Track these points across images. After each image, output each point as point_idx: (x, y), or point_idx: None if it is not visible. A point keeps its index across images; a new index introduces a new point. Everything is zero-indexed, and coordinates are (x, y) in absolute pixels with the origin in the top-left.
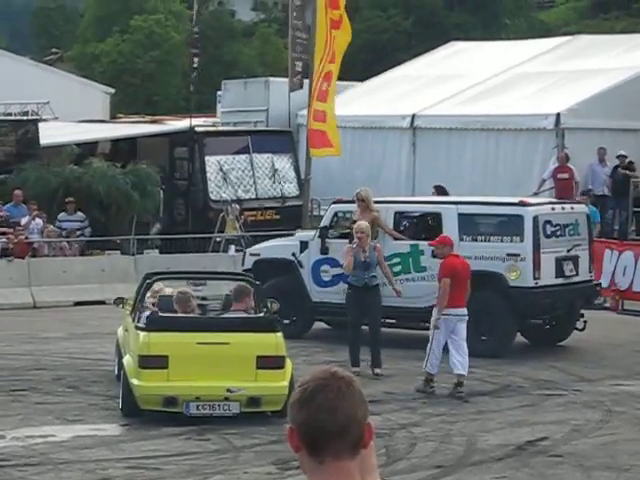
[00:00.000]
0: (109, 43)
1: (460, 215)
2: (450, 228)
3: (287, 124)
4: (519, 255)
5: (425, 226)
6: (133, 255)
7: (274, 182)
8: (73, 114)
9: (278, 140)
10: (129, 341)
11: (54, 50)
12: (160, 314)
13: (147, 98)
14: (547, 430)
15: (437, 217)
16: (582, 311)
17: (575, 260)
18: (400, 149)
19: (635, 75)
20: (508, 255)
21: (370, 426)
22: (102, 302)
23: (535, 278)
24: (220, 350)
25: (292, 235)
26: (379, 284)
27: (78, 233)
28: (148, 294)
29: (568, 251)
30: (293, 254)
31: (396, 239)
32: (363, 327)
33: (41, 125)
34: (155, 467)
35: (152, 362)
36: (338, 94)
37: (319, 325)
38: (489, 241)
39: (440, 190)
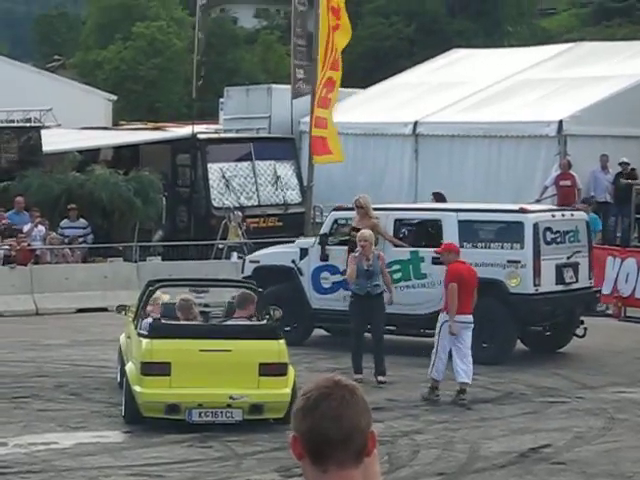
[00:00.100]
0: (111, 50)
1: (460, 222)
2: (450, 235)
3: (289, 131)
4: (519, 262)
5: (425, 233)
6: (135, 262)
7: (276, 189)
8: (75, 121)
9: (280, 147)
10: (131, 348)
11: (56, 57)
12: (163, 321)
13: (149, 105)
14: (550, 437)
15: (437, 224)
16: (583, 318)
17: (575, 267)
18: (402, 156)
19: (637, 82)
20: (508, 262)
21: (373, 434)
22: (104, 309)
23: (535, 285)
24: (223, 357)
25: (293, 242)
26: (383, 292)
27: (80, 240)
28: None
29: (568, 258)
30: (293, 261)
31: (396, 246)
32: (366, 334)
33: (44, 132)
34: (158, 474)
35: (154, 369)
36: (340, 101)
37: (321, 332)
38: (489, 248)
39: (439, 197)
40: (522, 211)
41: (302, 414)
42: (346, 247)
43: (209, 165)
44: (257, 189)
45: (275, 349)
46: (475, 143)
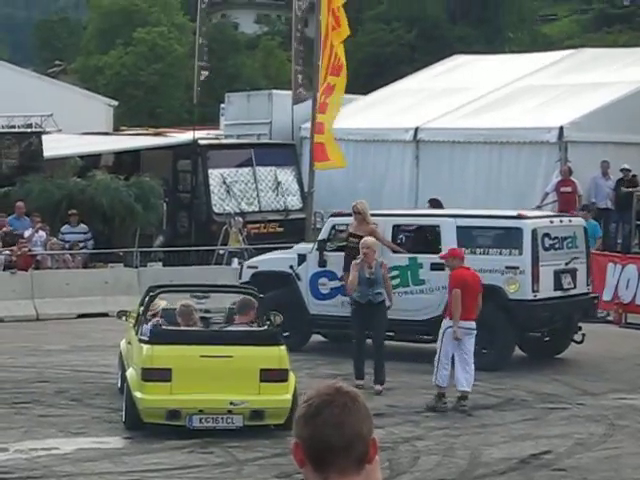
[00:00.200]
0: (112, 55)
1: (459, 228)
2: (449, 241)
3: (290, 137)
4: (518, 268)
5: (424, 239)
6: (136, 268)
7: (277, 195)
8: (76, 126)
9: (281, 153)
10: (132, 354)
11: (57, 62)
12: (164, 327)
13: (150, 110)
14: (551, 444)
15: (436, 230)
16: (583, 324)
17: (573, 273)
18: (403, 162)
19: (638, 89)
20: (507, 268)
21: (375, 441)
22: (105, 314)
23: (534, 291)
24: (223, 363)
25: (291, 248)
26: (384, 300)
27: (81, 245)
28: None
29: (566, 264)
30: (291, 267)
31: (394, 252)
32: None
33: (44, 137)
34: None
35: (155, 375)
36: (341, 107)
37: (321, 338)
38: (488, 254)
39: (435, 203)
40: (520, 217)
41: (304, 421)
42: (344, 253)
43: (210, 171)
44: (258, 195)
45: (276, 355)
46: (476, 149)
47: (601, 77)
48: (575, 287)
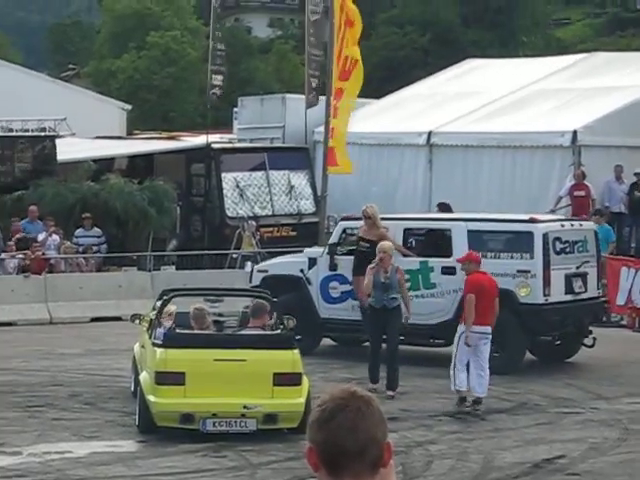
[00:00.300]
0: (125, 59)
1: (470, 232)
2: (460, 245)
3: (303, 141)
4: (529, 272)
5: (435, 243)
6: (150, 271)
7: (290, 199)
8: (90, 130)
9: (294, 157)
10: (146, 357)
11: (70, 66)
12: (177, 331)
13: (163, 114)
14: (564, 448)
15: (447, 234)
16: (596, 328)
17: (584, 277)
18: (416, 166)
19: None
20: (518, 272)
21: (390, 445)
22: (118, 318)
23: (545, 295)
24: (237, 367)
25: (301, 252)
26: (399, 305)
27: (95, 249)
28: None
29: (577, 268)
30: (301, 271)
31: (405, 256)
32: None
33: (58, 141)
34: None
35: (169, 379)
36: (354, 111)
37: (333, 342)
38: (499, 258)
39: (444, 208)
40: (532, 221)
41: (318, 425)
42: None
43: (223, 175)
44: (271, 199)
45: (289, 359)
46: (489, 153)
47: (614, 81)
48: (586, 291)
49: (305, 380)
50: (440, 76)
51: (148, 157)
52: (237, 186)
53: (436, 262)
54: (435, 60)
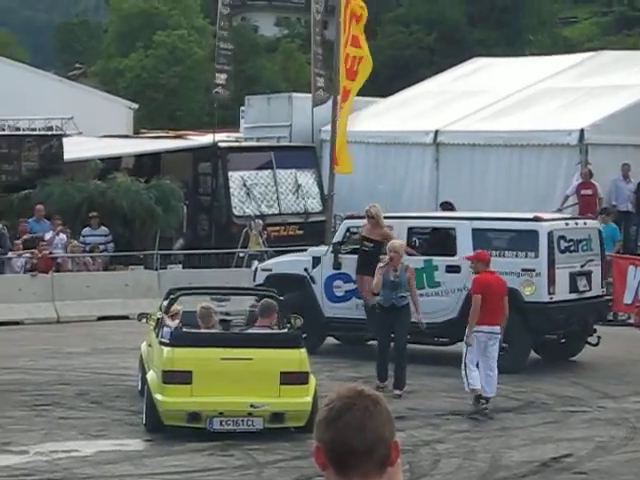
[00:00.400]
0: (132, 58)
1: (474, 230)
2: (464, 243)
3: (310, 139)
4: (534, 270)
5: (439, 241)
6: (156, 270)
7: (297, 197)
8: (97, 129)
9: (301, 155)
10: (153, 356)
11: (78, 65)
12: (184, 329)
13: (170, 113)
14: (571, 447)
15: (451, 232)
16: (603, 327)
17: (588, 275)
18: (423, 165)
19: None
20: (523, 270)
21: (397, 444)
22: (125, 317)
23: (550, 293)
24: (244, 366)
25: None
26: (408, 304)
27: (102, 248)
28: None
29: (582, 266)
30: (305, 269)
31: (409, 255)
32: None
33: (65, 140)
34: None
35: (176, 377)
36: (360, 110)
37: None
38: (504, 256)
39: (447, 207)
40: (536, 220)
41: (325, 424)
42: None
43: (230, 173)
44: (278, 197)
45: (296, 358)
46: (496, 152)
47: (621, 79)
48: (590, 290)
49: (312, 379)
50: (446, 75)
51: (155, 156)
52: (244, 185)
53: (440, 261)
54: (441, 59)
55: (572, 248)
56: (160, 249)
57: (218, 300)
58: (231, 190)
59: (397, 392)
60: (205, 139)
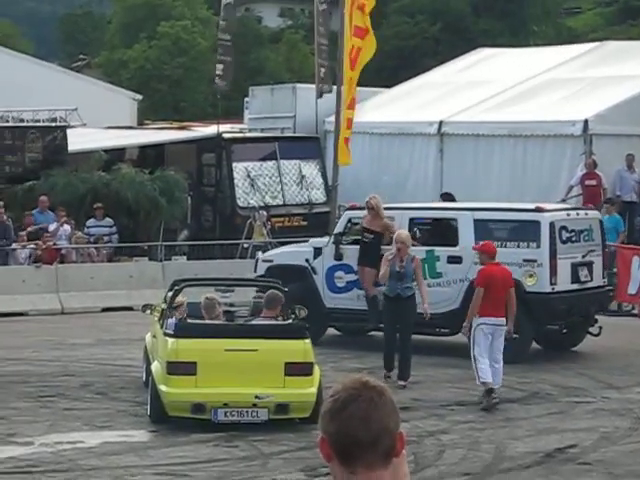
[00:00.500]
0: (136, 49)
1: (476, 221)
2: (466, 234)
3: (314, 130)
4: (536, 261)
5: (441, 232)
6: (161, 261)
7: (301, 188)
8: (101, 120)
9: (305, 146)
10: (157, 347)
11: (81, 56)
12: (188, 320)
13: (174, 104)
14: (576, 437)
15: (453, 223)
16: (606, 317)
17: (590, 266)
18: (427, 155)
19: None
20: (525, 261)
21: (402, 435)
22: (130, 308)
23: (552, 284)
24: (248, 357)
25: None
26: (414, 294)
27: (106, 239)
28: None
29: (583, 257)
30: (306, 260)
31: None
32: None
33: (69, 131)
34: (183, 474)
35: (180, 368)
36: (365, 100)
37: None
38: (505, 247)
39: (447, 198)
40: (538, 210)
41: (330, 416)
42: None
43: (234, 164)
44: (282, 188)
45: (301, 349)
46: (500, 142)
47: (626, 70)
48: (592, 280)
49: (316, 370)
50: (451, 65)
51: (159, 147)
52: (248, 176)
53: (442, 251)
54: (446, 49)
55: (574, 238)
56: (164, 240)
57: (222, 291)
58: (235, 181)
59: (402, 383)
60: (209, 130)
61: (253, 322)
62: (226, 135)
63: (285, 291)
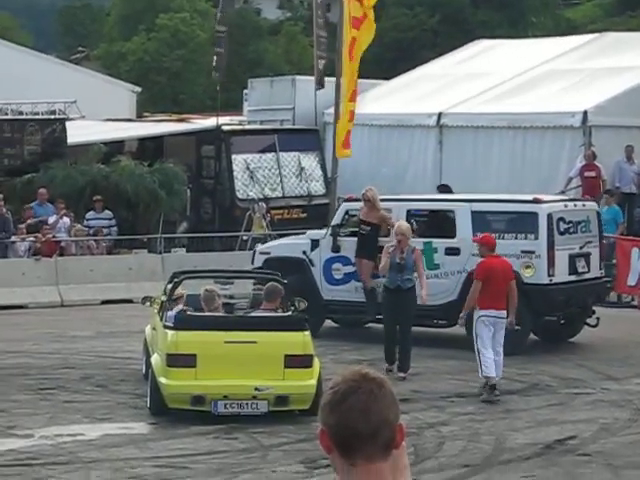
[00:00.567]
0: (135, 42)
1: (474, 212)
2: (464, 226)
3: (314, 122)
4: (534, 252)
5: (438, 224)
6: (160, 254)
7: (301, 180)
8: (100, 113)
9: (305, 138)
10: (157, 340)
11: (80, 49)
12: (188, 313)
13: (173, 96)
14: (575, 429)
15: (450, 215)
16: (606, 309)
17: (587, 257)
18: (426, 147)
19: None
20: (523, 252)
21: (402, 427)
22: (129, 301)
23: (550, 275)
24: (248, 349)
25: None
26: (414, 286)
27: (105, 232)
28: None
29: (580, 248)
30: (304, 252)
31: None
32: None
33: (68, 124)
34: (183, 466)
35: (180, 361)
36: (364, 92)
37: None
38: (503, 238)
39: (445, 189)
40: (536, 201)
41: (330, 408)
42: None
43: (233, 156)
44: (281, 180)
45: (300, 341)
46: (499, 134)
47: (625, 61)
48: (589, 271)
49: (316, 362)
50: (450, 57)
51: (158, 139)
52: (247, 168)
53: (440, 243)
54: (444, 41)
55: (571, 230)
56: (164, 232)
57: (222, 283)
58: (234, 173)
59: (401, 375)
60: (208, 122)
61: (253, 314)
62: (225, 127)
63: (285, 283)
